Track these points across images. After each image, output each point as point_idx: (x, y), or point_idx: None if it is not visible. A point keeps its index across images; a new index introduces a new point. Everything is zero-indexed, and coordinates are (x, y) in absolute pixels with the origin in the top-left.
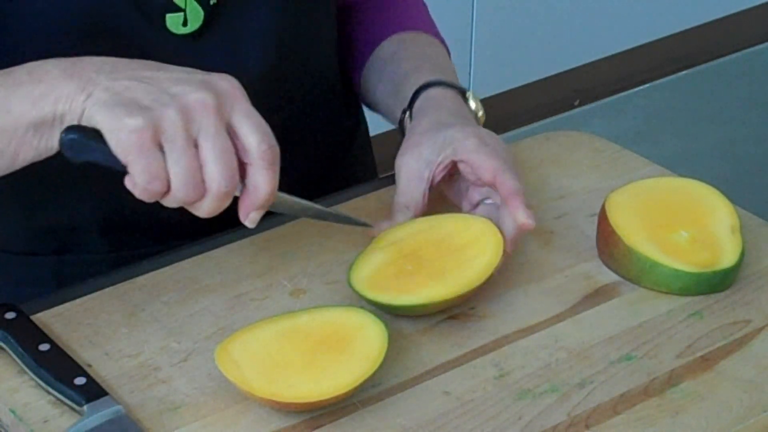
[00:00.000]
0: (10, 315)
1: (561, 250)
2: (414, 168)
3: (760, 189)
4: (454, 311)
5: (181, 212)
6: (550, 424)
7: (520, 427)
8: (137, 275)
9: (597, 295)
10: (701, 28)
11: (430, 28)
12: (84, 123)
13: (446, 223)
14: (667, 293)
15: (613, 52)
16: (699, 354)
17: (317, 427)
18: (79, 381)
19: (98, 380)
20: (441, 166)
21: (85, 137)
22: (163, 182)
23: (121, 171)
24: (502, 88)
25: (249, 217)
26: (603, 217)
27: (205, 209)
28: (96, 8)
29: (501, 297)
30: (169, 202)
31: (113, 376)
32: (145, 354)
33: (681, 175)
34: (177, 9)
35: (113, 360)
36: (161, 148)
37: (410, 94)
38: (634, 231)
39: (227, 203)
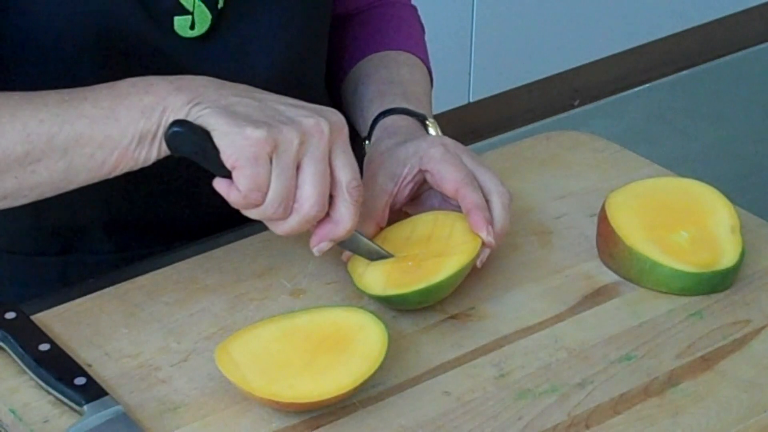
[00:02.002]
0: (10, 315)
1: (561, 250)
2: (378, 181)
3: (760, 189)
4: (454, 311)
5: (186, 213)
6: (550, 424)
7: (520, 427)
8: (137, 275)
9: (597, 295)
10: (701, 28)
11: (415, 49)
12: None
13: (426, 221)
14: (667, 293)
15: (613, 52)
16: (699, 354)
17: (317, 427)
18: (79, 381)
19: (98, 380)
20: (408, 178)
21: (191, 132)
22: (263, 194)
23: (216, 172)
24: (502, 88)
25: (319, 246)
26: (603, 217)
27: (286, 228)
28: (104, 11)
29: (501, 297)
30: (255, 213)
31: (113, 376)
32: (145, 354)
33: (681, 175)
34: (185, 12)
35: (113, 360)
36: (270, 162)
37: (370, 122)
38: (634, 231)
39: (308, 227)
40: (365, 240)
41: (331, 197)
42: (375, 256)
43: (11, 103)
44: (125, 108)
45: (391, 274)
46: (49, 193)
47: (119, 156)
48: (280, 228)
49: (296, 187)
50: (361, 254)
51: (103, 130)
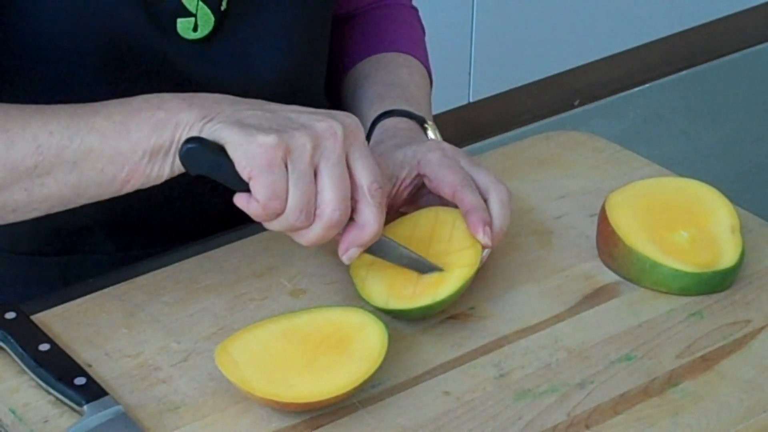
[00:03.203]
0: (10, 315)
1: (561, 250)
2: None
3: (760, 189)
4: (454, 311)
5: (186, 213)
6: (550, 424)
7: (520, 427)
8: (137, 275)
9: (597, 295)
10: (701, 28)
11: (415, 50)
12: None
13: (422, 220)
14: (667, 293)
15: (613, 52)
16: (699, 354)
17: (317, 427)
18: (79, 381)
19: (98, 380)
20: (407, 182)
21: (206, 148)
22: (282, 202)
23: (234, 188)
24: (502, 88)
25: (348, 253)
26: (603, 217)
27: (311, 237)
28: (106, 14)
29: (501, 297)
30: (278, 224)
31: (113, 376)
32: (145, 354)
33: (681, 175)
34: (188, 14)
35: (113, 360)
36: (286, 169)
37: (369, 124)
38: (634, 231)
39: (333, 235)
40: (395, 245)
41: (354, 201)
42: (406, 261)
43: (23, 115)
44: (137, 123)
45: (393, 284)
46: (58, 207)
47: (130, 171)
48: (306, 237)
49: (316, 192)
50: (392, 261)
51: (114, 145)
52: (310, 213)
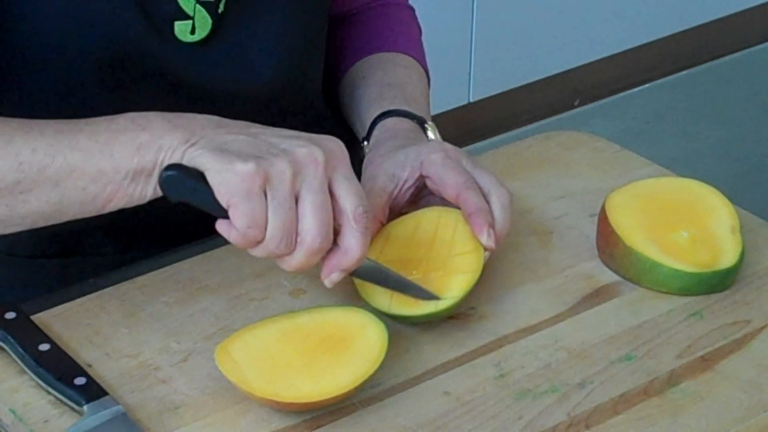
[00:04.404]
0: (10, 315)
1: (561, 250)
2: (378, 182)
3: (760, 189)
4: (453, 311)
5: (185, 215)
6: (550, 424)
7: (520, 427)
8: (137, 275)
9: (597, 295)
10: (701, 28)
11: (412, 50)
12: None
13: (424, 221)
14: (667, 293)
15: (613, 52)
16: (699, 354)
17: (317, 427)
18: (79, 381)
19: (98, 380)
20: (409, 182)
21: (185, 175)
22: (261, 231)
23: (216, 214)
24: (502, 88)
25: (330, 277)
26: (603, 217)
27: (293, 263)
28: (104, 18)
29: (501, 297)
30: (259, 251)
31: (113, 376)
32: (145, 354)
33: (681, 175)
34: (185, 17)
35: (113, 360)
36: (265, 196)
37: (368, 124)
38: (634, 231)
39: (316, 261)
40: (384, 269)
41: (338, 225)
42: (397, 287)
43: (7, 130)
44: (120, 144)
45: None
46: (41, 222)
47: (112, 191)
48: (287, 264)
49: (297, 220)
50: (379, 284)
51: (96, 164)
52: (291, 241)
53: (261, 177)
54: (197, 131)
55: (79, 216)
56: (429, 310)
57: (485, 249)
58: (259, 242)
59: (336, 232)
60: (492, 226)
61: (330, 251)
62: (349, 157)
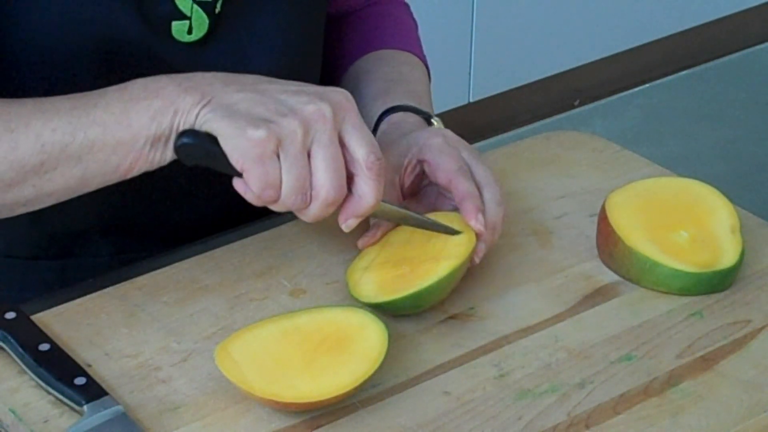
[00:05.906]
0: (10, 315)
1: (561, 250)
2: (387, 175)
3: (760, 189)
4: (454, 311)
5: (184, 215)
6: (550, 424)
7: (520, 427)
8: (137, 275)
9: (597, 295)
10: (701, 28)
11: (412, 47)
12: (198, 129)
13: (418, 232)
14: (667, 293)
15: (613, 52)
16: (699, 354)
17: (317, 427)
18: (79, 381)
19: (98, 380)
20: (409, 168)
21: (199, 141)
22: (277, 190)
23: (231, 174)
24: (502, 88)
25: (347, 223)
26: (603, 217)
27: (310, 215)
28: (101, 18)
29: (501, 297)
30: (277, 207)
31: (113, 376)
32: (145, 354)
33: (681, 175)
34: (183, 17)
35: (113, 360)
36: (278, 157)
37: (375, 119)
38: (634, 231)
39: (332, 211)
40: (396, 208)
41: (351, 174)
42: (412, 221)
43: (24, 112)
44: (136, 113)
45: (385, 281)
46: (66, 197)
47: (134, 159)
48: (306, 216)
49: (311, 174)
50: (408, 225)
51: (116, 136)
52: (306, 195)
53: (273, 141)
54: (207, 91)
55: (102, 185)
56: (412, 290)
57: (479, 238)
58: (275, 201)
59: (350, 180)
60: (483, 211)
61: (345, 199)
62: (356, 105)
